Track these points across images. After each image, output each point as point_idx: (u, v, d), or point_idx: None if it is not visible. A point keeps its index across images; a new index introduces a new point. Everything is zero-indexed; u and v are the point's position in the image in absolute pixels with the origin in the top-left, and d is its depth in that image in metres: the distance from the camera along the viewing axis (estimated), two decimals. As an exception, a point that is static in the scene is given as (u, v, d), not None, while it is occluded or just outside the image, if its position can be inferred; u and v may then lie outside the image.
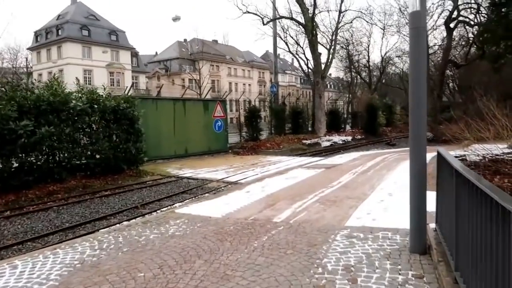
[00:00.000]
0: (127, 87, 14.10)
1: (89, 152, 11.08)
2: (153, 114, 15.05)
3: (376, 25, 42.84)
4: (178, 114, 15.99)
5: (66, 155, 10.40)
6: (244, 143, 18.79)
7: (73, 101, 10.50)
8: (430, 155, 13.27)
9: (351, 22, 25.79)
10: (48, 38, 59.21)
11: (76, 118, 10.56)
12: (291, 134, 21.82)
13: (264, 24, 20.68)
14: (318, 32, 28.79)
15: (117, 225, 6.73)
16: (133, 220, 7.11)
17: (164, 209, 8.00)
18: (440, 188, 4.82)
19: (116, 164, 11.61)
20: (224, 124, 17.99)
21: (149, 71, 74.39)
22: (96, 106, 11.28)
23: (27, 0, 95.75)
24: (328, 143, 20.41)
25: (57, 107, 10.09)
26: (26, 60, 59.48)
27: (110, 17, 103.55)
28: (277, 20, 22.50)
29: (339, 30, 26.87)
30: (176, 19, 28.35)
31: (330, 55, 23.70)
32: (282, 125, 21.51)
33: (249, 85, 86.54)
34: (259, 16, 20.65)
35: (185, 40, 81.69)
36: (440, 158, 5.01)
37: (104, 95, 11.91)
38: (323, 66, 23.51)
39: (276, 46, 21.66)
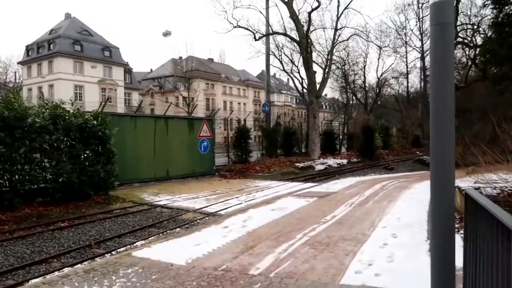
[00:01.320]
0: (101, 102, 12.82)
1: (49, 175, 9.70)
2: (131, 133, 13.77)
3: (373, 42, 42.05)
4: (159, 133, 14.71)
5: (19, 178, 9.02)
6: (231, 165, 17.48)
7: (32, 117, 9.18)
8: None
9: (348, 39, 24.89)
10: (39, 52, 58.28)
11: (34, 136, 9.22)
12: (284, 156, 20.54)
13: (256, 40, 19.71)
14: (313, 51, 28.00)
15: (53, 274, 5.33)
16: (78, 265, 5.74)
17: (121, 249, 6.61)
18: (473, 243, 3.52)
19: (81, 189, 10.22)
20: (210, 145, 16.70)
21: (143, 88, 73.51)
22: (61, 122, 9.98)
23: (23, 14, 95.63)
24: (322, 167, 19.13)
25: (11, 123, 8.77)
26: (15, 74, 58.37)
27: (104, 33, 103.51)
28: (270, 37, 21.57)
29: (334, 49, 26.03)
30: (166, 34, 27.46)
31: (326, 74, 22.70)
32: (274, 147, 20.24)
33: (244, 104, 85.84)
34: (250, 31, 19.70)
35: (180, 58, 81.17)
36: (472, 202, 3.67)
37: (71, 111, 10.61)
38: (318, 85, 22.53)
39: (269, 63, 20.67)
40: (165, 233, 7.55)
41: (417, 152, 32.45)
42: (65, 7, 72.87)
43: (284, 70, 30.29)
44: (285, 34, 21.21)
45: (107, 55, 60.37)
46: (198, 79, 75.84)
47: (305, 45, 19.82)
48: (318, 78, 31.13)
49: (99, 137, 10.78)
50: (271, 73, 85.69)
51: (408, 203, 9.26)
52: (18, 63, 62.92)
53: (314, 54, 32.72)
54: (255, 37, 19.56)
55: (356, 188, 12.35)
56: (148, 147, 14.32)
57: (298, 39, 20.24)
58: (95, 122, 10.72)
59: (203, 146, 16.39)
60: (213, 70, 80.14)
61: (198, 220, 8.48)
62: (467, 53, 27.66)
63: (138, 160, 13.89)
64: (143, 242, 6.93)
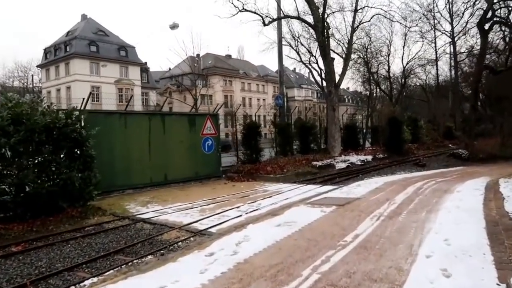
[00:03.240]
0: (83, 99, 11.16)
1: (6, 186, 8.06)
2: (121, 133, 12.07)
3: (399, 22, 38.96)
4: (155, 132, 12.96)
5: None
6: (240, 166, 15.55)
7: (-17, 117, 7.55)
8: (476, 184, 9.59)
9: (369, 21, 22.40)
10: (56, 54, 58.18)
11: (-15, 140, 7.58)
12: (300, 153, 18.48)
13: (265, 25, 17.65)
14: (331, 38, 25.68)
15: None
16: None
17: (60, 293, 4.82)
18: None
19: (51, 202, 8.55)
20: (215, 144, 14.85)
21: (160, 87, 72.70)
22: (25, 123, 8.32)
23: (43, 18, 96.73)
24: (343, 165, 16.95)
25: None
26: (32, 77, 58.46)
27: (120, 32, 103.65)
28: (286, 26, 19.52)
29: (355, 35, 23.65)
30: (174, 26, 25.80)
31: (346, 61, 20.39)
32: (288, 144, 18.18)
33: (264, 100, 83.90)
34: (258, 14, 17.62)
35: (197, 55, 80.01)
36: None
37: (41, 108, 8.95)
38: (337, 76, 20.34)
39: (281, 50, 18.62)
40: (130, 263, 5.72)
41: (450, 145, 29.63)
42: (82, 9, 72.73)
43: (301, 61, 28.13)
44: (298, 18, 19.10)
45: (123, 54, 59.71)
46: (216, 76, 74.70)
47: (321, 29, 17.63)
48: (338, 68, 28.85)
49: (73, 138, 9.08)
50: (291, 68, 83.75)
51: (454, 214, 7.10)
52: (37, 66, 63.25)
53: (333, 43, 30.32)
54: (264, 22, 17.53)
55: (383, 192, 10.20)
56: (141, 148, 12.61)
57: (313, 23, 18.09)
58: (68, 121, 9.01)
59: (207, 146, 14.55)
60: (230, 66, 78.60)
61: (180, 243, 6.61)
62: (506, 32, 24.66)
63: (130, 164, 12.19)
64: (95, 280, 5.11)
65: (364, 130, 26.16)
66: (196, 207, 9.54)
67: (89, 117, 10.80)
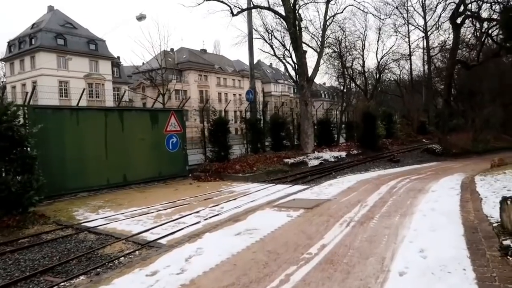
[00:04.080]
0: (26, 93, 10.03)
1: None
2: (72, 130, 11.00)
3: (373, 14, 39.19)
4: (112, 129, 11.93)
5: None
6: (207, 164, 14.67)
7: None
8: (451, 182, 9.03)
9: (342, 12, 21.85)
10: (21, 48, 55.47)
11: None
12: (272, 151, 17.75)
13: (233, 15, 16.73)
14: (306, 33, 25.04)
15: None
16: None
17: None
18: None
19: (-19, 210, 7.49)
20: (180, 141, 13.92)
21: (133, 82, 70.59)
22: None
23: (6, 9, 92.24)
24: (316, 162, 16.32)
25: None
26: (-4, 72, 55.62)
27: (90, 26, 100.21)
28: (260, 20, 18.67)
29: (329, 29, 23.08)
30: (141, 18, 24.52)
31: (319, 54, 19.73)
32: (260, 140, 17.40)
33: (240, 95, 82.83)
34: (226, 4, 16.69)
35: (171, 49, 78.23)
36: None
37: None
38: (311, 70, 19.69)
39: (252, 43, 17.74)
40: (56, 287, 4.81)
41: (424, 140, 29.57)
42: (49, 0, 69.35)
43: (275, 55, 27.32)
44: (268, 8, 18.28)
45: (93, 48, 57.56)
46: (191, 71, 73.19)
47: (292, 20, 16.86)
48: (313, 63, 28.22)
49: (9, 137, 8.01)
50: (267, 63, 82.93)
51: (430, 218, 6.49)
52: (0, 60, 60.20)
53: (307, 37, 29.76)
54: (232, 12, 16.64)
55: (356, 192, 9.57)
56: (97, 147, 11.56)
57: (284, 14, 17.33)
58: (3, 118, 7.93)
59: (171, 143, 13.62)
60: (206, 61, 77.22)
61: (122, 258, 5.73)
62: (477, 27, 24.62)
63: (83, 164, 11.15)
64: (5, 311, 4.20)
65: (339, 126, 25.65)
66: (152, 212, 8.65)
67: (33, 113, 9.73)
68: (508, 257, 4.44)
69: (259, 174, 13.64)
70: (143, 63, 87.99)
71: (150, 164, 12.95)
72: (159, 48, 31.52)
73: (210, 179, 13.37)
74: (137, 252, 5.94)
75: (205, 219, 7.65)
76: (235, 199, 9.76)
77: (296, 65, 18.39)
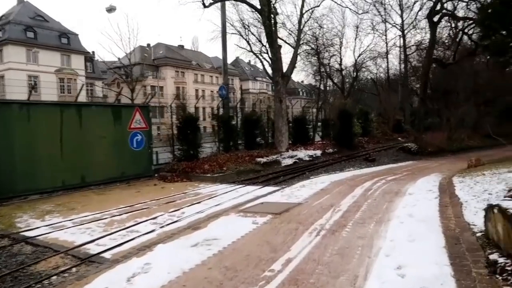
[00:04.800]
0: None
1: None
2: (22, 127, 9.97)
3: (350, 9, 39.10)
4: (69, 126, 10.95)
5: None
6: (175, 163, 13.81)
7: None
8: (429, 183, 8.48)
9: (319, 5, 21.30)
10: (-12, 41, 52.67)
11: None
12: (246, 149, 17.02)
13: (205, 7, 15.88)
14: (284, 29, 24.38)
15: None
16: None
17: None
18: None
19: None
20: (146, 139, 13.02)
21: (108, 77, 68.47)
22: None
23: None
24: (290, 161, 15.70)
25: None
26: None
27: (63, 19, 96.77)
28: (237, 15, 17.73)
29: (306, 23, 22.48)
30: (110, 9, 23.33)
31: (296, 48, 19.08)
32: (232, 138, 16.64)
33: (217, 91, 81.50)
34: (197, -6, 15.82)
35: (148, 45, 76.34)
36: None
37: None
38: (285, 65, 19.01)
39: (226, 37, 16.94)
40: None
41: (399, 139, 29.52)
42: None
43: (251, 51, 26.62)
44: (242, 0, 17.50)
45: (65, 42, 55.29)
46: (168, 67, 71.56)
47: (267, 14, 16.18)
48: (290, 58, 27.61)
49: None
50: (246, 60, 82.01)
51: (408, 226, 5.90)
52: (-35, 52, 57.14)
53: (284, 33, 28.95)
54: (204, 4, 15.79)
55: (329, 195, 8.95)
56: (51, 145, 10.57)
57: (259, 7, 16.61)
58: None
59: (135, 141, 12.71)
60: (183, 57, 75.72)
61: (54, 277, 4.88)
62: (452, 25, 24.56)
63: (35, 165, 10.16)
64: None
65: (314, 124, 25.14)
66: (105, 218, 7.78)
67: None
68: (497, 275, 3.86)
69: (229, 174, 12.88)
70: (119, 59, 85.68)
71: (111, 163, 12.01)
72: (128, 41, 30.10)
73: (176, 179, 12.53)
74: (74, 269, 5.10)
75: (161, 227, 6.85)
76: (199, 202, 8.98)
77: (271, 61, 17.69)
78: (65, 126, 10.84)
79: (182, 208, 8.40)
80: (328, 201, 8.17)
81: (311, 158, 16.80)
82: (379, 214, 6.74)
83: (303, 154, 16.93)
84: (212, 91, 78.04)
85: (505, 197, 6.24)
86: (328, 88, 38.27)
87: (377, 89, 40.44)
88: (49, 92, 43.96)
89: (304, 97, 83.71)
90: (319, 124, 26.63)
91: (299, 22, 19.47)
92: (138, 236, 6.34)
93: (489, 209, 4.94)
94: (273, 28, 17.02)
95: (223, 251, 5.33)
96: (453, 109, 25.71)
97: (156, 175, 13.43)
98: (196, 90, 74.71)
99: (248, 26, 25.00)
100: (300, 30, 19.88)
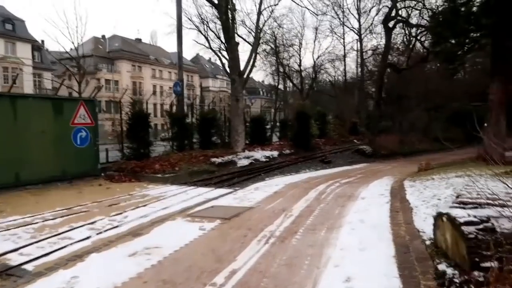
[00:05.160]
0: None
1: None
2: None
3: (307, 8, 39.61)
4: (0, 119, 9.93)
5: None
6: (124, 162, 13.06)
7: None
8: (381, 187, 8.46)
9: (277, 4, 21.19)
10: None
11: None
12: (200, 149, 16.49)
13: (159, -2, 15.24)
14: (243, 27, 24.05)
15: None
16: None
17: None
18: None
19: None
20: (91, 135, 12.17)
21: (58, 69, 64.89)
22: None
23: None
24: (246, 162, 15.39)
25: None
26: None
27: (8, 4, 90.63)
28: (195, 9, 17.05)
29: (266, 23, 22.27)
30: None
31: (254, 46, 18.80)
32: (186, 137, 16.05)
33: (172, 87, 79.82)
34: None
35: (103, 36, 73.25)
36: None
37: None
38: (244, 64, 18.64)
39: (181, 30, 16.28)
40: None
41: (355, 141, 30.14)
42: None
43: (210, 47, 26.11)
44: (199, -6, 16.98)
45: (9, 28, 51.63)
46: (123, 60, 69.02)
47: (224, 9, 15.76)
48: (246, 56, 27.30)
49: None
50: (206, 57, 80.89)
51: (359, 233, 5.73)
52: None
53: (244, 31, 28.68)
54: (158, -5, 15.09)
55: (282, 198, 8.70)
56: (-21, 140, 9.52)
57: (216, 2, 16.14)
58: None
59: (79, 138, 11.83)
60: (140, 51, 73.35)
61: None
62: (406, 32, 25.39)
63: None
64: None
65: (272, 124, 25.02)
66: (36, 222, 7.04)
67: None
68: (445, 288, 3.70)
69: (181, 175, 12.34)
70: (67, 50, 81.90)
71: (51, 161, 11.08)
72: (76, 30, 28.57)
73: (124, 179, 11.81)
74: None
75: (98, 233, 6.25)
76: (145, 205, 8.41)
77: (228, 58, 17.27)
78: (-4, 119, 9.84)
79: (125, 211, 7.79)
80: (281, 205, 7.90)
81: (267, 159, 16.59)
82: (331, 220, 6.54)
83: (259, 154, 16.68)
84: (170, 87, 76.27)
85: (453, 203, 6.26)
86: (288, 89, 38.48)
87: (335, 92, 41.20)
88: (-9, 82, 40.96)
89: (264, 97, 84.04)
90: (278, 124, 26.58)
91: (257, 19, 19.26)
92: (70, 244, 5.71)
93: (439, 217, 4.85)
94: (231, 25, 16.63)
95: (163, 262, 4.88)
96: (405, 113, 26.60)
97: (102, 174, 12.61)
98: (154, 86, 72.68)
99: (207, 22, 24.48)
100: (258, 27, 19.62)
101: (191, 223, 6.72)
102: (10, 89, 10.60)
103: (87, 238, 6.02)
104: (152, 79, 74.08)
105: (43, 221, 7.11)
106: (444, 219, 4.65)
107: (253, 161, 15.70)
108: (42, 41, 59.10)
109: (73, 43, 24.17)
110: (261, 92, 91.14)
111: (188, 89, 78.45)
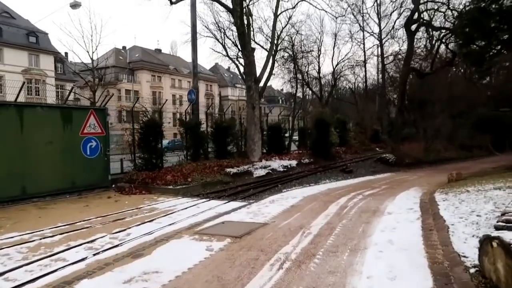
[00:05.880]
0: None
1: None
2: None
3: (325, 11, 39.01)
4: (6, 129, 9.62)
5: None
6: (135, 173, 12.58)
7: None
8: (409, 200, 7.69)
9: (294, 7, 20.60)
10: None
11: None
12: (216, 159, 15.90)
13: (173, 3, 14.88)
14: (261, 34, 23.54)
15: None
16: None
17: None
18: None
19: None
20: (102, 145, 11.76)
21: (79, 80, 66.11)
22: None
23: None
24: (263, 172, 14.68)
25: None
26: None
27: (32, 17, 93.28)
28: (212, 17, 16.69)
29: (284, 29, 21.71)
30: (75, 5, 21.88)
31: (269, 53, 18.22)
32: (200, 146, 15.49)
33: (187, 96, 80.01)
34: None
35: (123, 47, 74.47)
36: None
37: None
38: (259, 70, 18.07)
39: (196, 37, 15.85)
40: None
41: (377, 149, 29.04)
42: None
43: (227, 55, 25.81)
44: (213, -2, 16.57)
45: (33, 41, 52.93)
46: (144, 71, 69.82)
47: (239, 14, 15.25)
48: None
49: None
50: (225, 66, 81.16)
51: (387, 257, 4.94)
52: None
53: (261, 37, 28.18)
54: (171, 0, 14.76)
55: (300, 213, 7.95)
56: (-17, 151, 9.19)
57: (231, 7, 15.67)
58: None
59: (89, 148, 11.43)
60: (160, 61, 74.10)
61: None
62: (430, 34, 24.28)
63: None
64: None
65: (290, 132, 24.25)
66: (33, 240, 6.53)
67: None
68: None
69: (194, 186, 11.75)
70: (93, 61, 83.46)
71: (59, 172, 10.69)
72: (91, 38, 28.76)
73: (135, 191, 11.30)
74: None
75: (95, 254, 5.68)
76: (151, 220, 7.82)
77: (244, 64, 16.72)
78: (0, 130, 9.49)
79: (129, 227, 7.22)
80: (298, 221, 7.16)
81: (285, 169, 15.84)
82: (355, 240, 5.77)
83: (277, 164, 15.96)
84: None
85: (498, 222, 5.42)
86: (307, 97, 37.75)
87: (355, 98, 40.17)
88: (14, 93, 41.87)
89: (283, 105, 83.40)
90: (296, 132, 25.82)
91: (274, 23, 18.64)
92: (63, 267, 5.15)
93: (486, 241, 4.04)
94: (246, 30, 16.09)
95: (159, 295, 4.23)
96: (429, 119, 25.44)
97: (114, 186, 12.16)
98: (173, 95, 73.12)
99: (224, 29, 24.14)
100: (274, 31, 19.00)
101: (198, 242, 6.07)
102: (17, 99, 10.24)
103: (82, 260, 5.45)
104: (171, 89, 74.67)
105: (40, 239, 6.60)
106: (495, 244, 3.85)
107: (270, 171, 14.99)
108: (66, 54, 60.41)
109: (88, 52, 24.13)
110: (280, 101, 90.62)
111: (207, 98, 78.74)
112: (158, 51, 79.94)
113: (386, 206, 8.22)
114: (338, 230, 6.34)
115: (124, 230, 7.05)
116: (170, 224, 7.37)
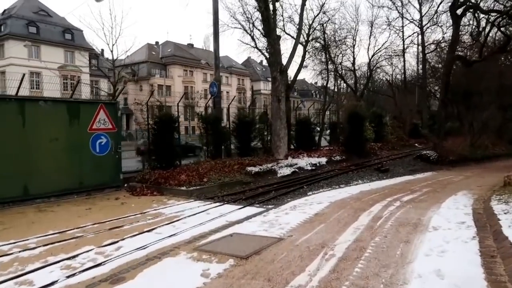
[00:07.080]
0: None
1: None
2: None
3: None
4: (6, 125, 8.92)
5: None
6: (148, 172, 11.69)
7: None
8: (458, 210, 6.21)
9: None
10: (-11, 35, 51.80)
11: None
12: (239, 156, 14.78)
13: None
14: (292, 25, 22.19)
15: None
16: None
17: None
18: None
19: None
20: (112, 142, 10.93)
21: (111, 75, 67.12)
22: None
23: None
24: (288, 171, 13.40)
25: None
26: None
27: (68, 14, 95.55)
28: (241, 7, 15.51)
29: (316, 15, 20.20)
30: (99, -1, 21.33)
31: (296, 41, 16.79)
32: (220, 143, 14.40)
33: (227, 92, 79.86)
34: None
35: (156, 42, 75.00)
36: None
37: None
38: (285, 59, 16.71)
39: (218, 25, 14.75)
40: None
41: (416, 145, 26.95)
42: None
43: (256, 46, 24.52)
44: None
45: (69, 38, 54.15)
46: (176, 66, 69.95)
47: (264, -2, 14.00)
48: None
49: None
50: (258, 60, 79.87)
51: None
52: (-32, 47, 56.44)
53: (293, 28, 26.94)
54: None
55: (324, 224, 6.66)
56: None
57: (256, -9, 14.49)
58: None
59: (98, 145, 10.63)
60: (192, 56, 74.00)
61: None
62: (478, 18, 21.83)
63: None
64: None
65: (320, 127, 22.71)
66: (11, 253, 5.68)
67: None
68: None
69: (209, 188, 10.69)
70: (127, 56, 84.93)
71: (65, 171, 9.94)
72: (111, 30, 28.12)
73: (146, 192, 10.40)
74: None
75: (69, 276, 4.69)
76: (151, 229, 6.80)
77: (268, 53, 15.47)
78: (2, 124, 8.81)
79: (123, 239, 6.23)
80: (320, 236, 5.89)
81: (313, 167, 14.48)
82: (390, 269, 4.44)
83: (304, 162, 14.62)
84: (221, 92, 76.03)
85: None
86: (342, 90, 35.91)
87: (392, 91, 37.82)
88: (51, 88, 42.70)
89: (317, 99, 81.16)
90: (326, 127, 24.26)
91: (302, 8, 17.14)
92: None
93: None
94: (271, 16, 14.81)
95: None
96: (475, 112, 23.14)
97: (126, 185, 11.34)
98: (205, 90, 72.82)
99: (253, 20, 22.92)
100: (302, 17, 17.50)
101: (194, 264, 4.95)
102: (17, 92, 9.58)
103: (51, 284, 4.47)
104: (203, 83, 74.37)
105: (20, 251, 5.74)
106: None
107: (296, 169, 13.68)
108: (102, 50, 61.34)
109: (108, 44, 23.57)
110: (313, 94, 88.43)
111: (239, 92, 77.98)
112: (191, 45, 79.90)
113: (430, 218, 6.76)
114: (369, 253, 5.02)
115: (116, 242, 6.06)
116: (170, 236, 6.31)
